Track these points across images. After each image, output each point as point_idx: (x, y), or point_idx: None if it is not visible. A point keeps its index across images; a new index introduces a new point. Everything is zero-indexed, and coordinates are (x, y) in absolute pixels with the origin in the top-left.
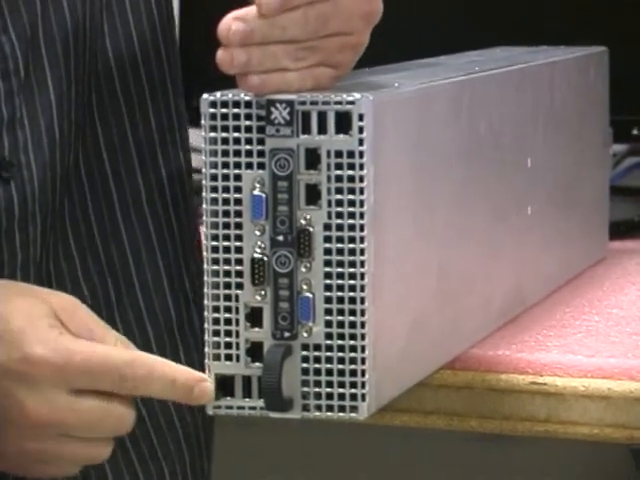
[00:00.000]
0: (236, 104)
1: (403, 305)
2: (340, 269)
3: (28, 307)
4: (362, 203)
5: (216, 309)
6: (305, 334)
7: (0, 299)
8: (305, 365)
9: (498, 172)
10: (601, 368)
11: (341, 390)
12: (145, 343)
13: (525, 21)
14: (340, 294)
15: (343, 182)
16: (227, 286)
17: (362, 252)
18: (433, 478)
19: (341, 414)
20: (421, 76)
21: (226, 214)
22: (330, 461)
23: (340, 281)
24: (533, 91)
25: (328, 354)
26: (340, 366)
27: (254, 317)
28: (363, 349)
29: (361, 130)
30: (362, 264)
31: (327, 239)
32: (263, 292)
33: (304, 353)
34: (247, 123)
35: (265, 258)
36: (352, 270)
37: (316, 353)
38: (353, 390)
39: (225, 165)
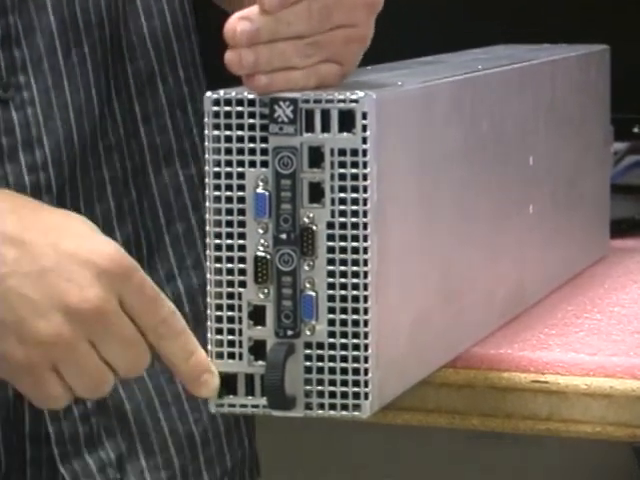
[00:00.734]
0: (239, 102)
1: (406, 303)
2: (343, 267)
3: (82, 219)
4: (365, 201)
5: (219, 307)
6: (308, 332)
7: (50, 209)
8: (308, 363)
9: (500, 170)
10: (603, 366)
11: (344, 388)
12: (177, 301)
13: (527, 19)
14: (343, 292)
15: (346, 180)
16: (230, 284)
17: (365, 250)
18: (435, 476)
19: (344, 412)
20: (424, 74)
21: (229, 212)
22: (332, 459)
23: (343, 279)
24: (535, 89)
25: (331, 352)
26: (343, 364)
27: (257, 315)
28: (366, 347)
29: (364, 128)
30: (365, 262)
31: (330, 237)
32: (266, 290)
33: (307, 351)
34: (250, 121)
35: (268, 256)
36: (355, 268)
37: (319, 351)
38: (356, 388)
39: (228, 163)
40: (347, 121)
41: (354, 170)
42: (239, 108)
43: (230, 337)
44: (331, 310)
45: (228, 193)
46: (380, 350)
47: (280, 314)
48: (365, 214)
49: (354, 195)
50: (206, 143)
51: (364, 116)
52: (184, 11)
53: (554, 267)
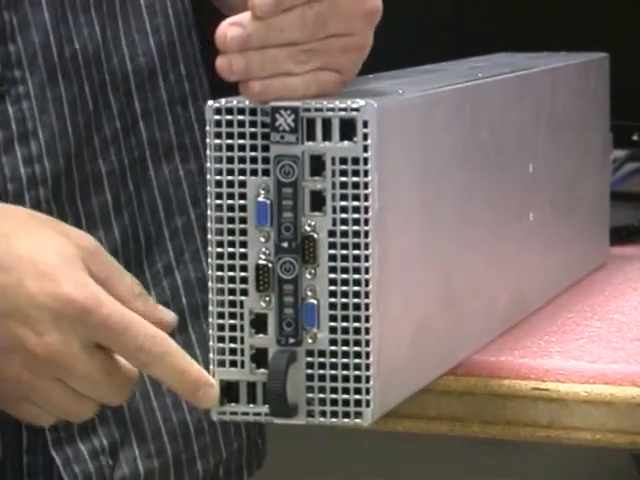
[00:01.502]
0: (241, 111)
1: (407, 311)
2: (345, 275)
3: (59, 244)
4: (367, 210)
5: (221, 315)
6: (310, 340)
7: (33, 230)
8: (310, 371)
9: (500, 178)
10: (603, 374)
11: (345, 396)
12: (174, 294)
13: (527, 27)
14: (345, 300)
15: (348, 189)
16: (232, 292)
17: (366, 258)
18: None
19: (345, 420)
20: (424, 83)
21: (231, 220)
22: (333, 466)
23: (345, 287)
24: (534, 97)
25: (333, 360)
26: (345, 372)
27: (259, 323)
28: (367, 355)
29: (365, 137)
30: (366, 270)
31: (332, 245)
32: (268, 298)
33: (309, 359)
34: (252, 130)
35: (270, 264)
36: (357, 276)
37: (321, 359)
38: (357, 396)
39: (230, 172)
40: (348, 129)
41: (355, 178)
42: (240, 117)
43: (232, 345)
44: (332, 318)
45: (230, 201)
46: (381, 358)
47: (282, 322)
48: (366, 222)
49: (355, 203)
50: (208, 152)
51: (365, 124)
52: (185, 9)
53: (554, 274)
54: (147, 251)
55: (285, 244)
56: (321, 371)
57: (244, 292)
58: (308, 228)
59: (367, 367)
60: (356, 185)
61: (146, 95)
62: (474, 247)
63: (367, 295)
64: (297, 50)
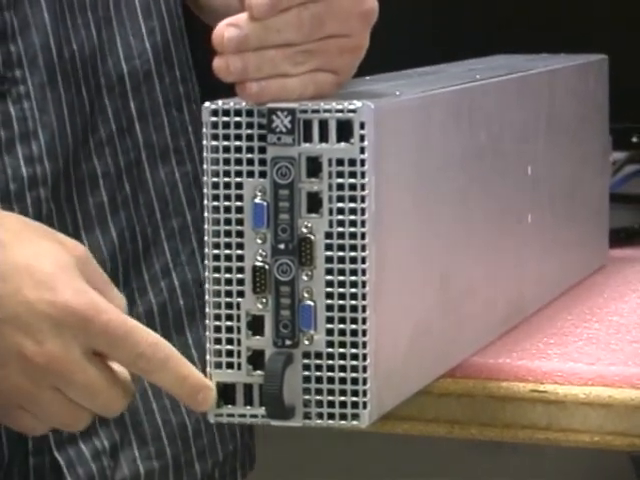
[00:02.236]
0: (237, 112)
1: (405, 313)
2: (341, 277)
3: (55, 252)
4: (363, 211)
5: (217, 317)
6: (306, 342)
7: (28, 239)
8: (306, 373)
9: (499, 180)
10: (602, 376)
11: (342, 398)
12: (172, 295)
13: (525, 29)
14: (341, 302)
15: (344, 190)
16: (228, 294)
17: (363, 260)
18: None
19: (343, 422)
20: (422, 84)
21: (227, 222)
22: (331, 469)
23: (341, 289)
24: (533, 99)
25: (329, 362)
26: (341, 374)
27: (255, 325)
28: (364, 357)
29: (362, 138)
30: (363, 272)
31: (328, 247)
32: (264, 300)
33: (305, 361)
34: (248, 131)
35: (266, 266)
36: (353, 278)
37: (317, 361)
38: (354, 398)
39: (226, 173)
40: (345, 131)
41: (352, 180)
42: (237, 118)
43: (228, 347)
44: (329, 320)
45: (226, 203)
46: (379, 360)
47: (278, 324)
48: (363, 224)
49: (352, 205)
50: (204, 154)
51: (362, 126)
52: (178, 13)
53: (553, 276)
54: (145, 253)
55: (282, 246)
56: (318, 373)
57: (241, 294)
58: (305, 230)
59: (364, 369)
60: (353, 187)
61: (142, 97)
62: (472, 249)
63: (364, 297)
64: (294, 51)
